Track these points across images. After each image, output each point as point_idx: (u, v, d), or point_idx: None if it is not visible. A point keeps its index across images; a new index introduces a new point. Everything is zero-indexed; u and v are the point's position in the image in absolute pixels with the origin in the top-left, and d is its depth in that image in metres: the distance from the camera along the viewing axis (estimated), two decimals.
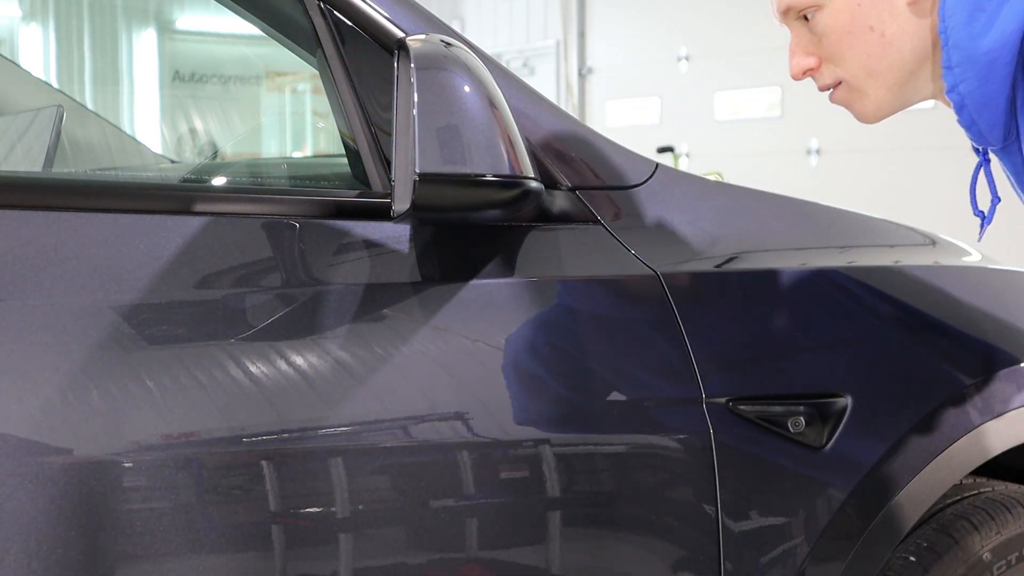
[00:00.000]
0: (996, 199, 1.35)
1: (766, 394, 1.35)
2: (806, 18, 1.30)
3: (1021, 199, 1.35)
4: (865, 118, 1.33)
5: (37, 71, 7.21)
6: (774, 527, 1.34)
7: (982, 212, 1.37)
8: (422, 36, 1.23)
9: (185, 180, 1.61)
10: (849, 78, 1.30)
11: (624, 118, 9.39)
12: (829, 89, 1.33)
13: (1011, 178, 1.32)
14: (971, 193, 1.38)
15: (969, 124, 1.25)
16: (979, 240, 1.56)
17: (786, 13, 1.31)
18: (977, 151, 1.34)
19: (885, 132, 7.42)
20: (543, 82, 9.77)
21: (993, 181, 1.34)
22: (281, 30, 1.51)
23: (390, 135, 1.27)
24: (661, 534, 1.29)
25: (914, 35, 1.26)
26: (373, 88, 1.33)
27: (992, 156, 1.32)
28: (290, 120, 8.82)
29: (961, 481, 1.56)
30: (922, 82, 1.29)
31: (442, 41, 1.22)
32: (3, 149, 1.87)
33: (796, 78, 1.33)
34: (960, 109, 1.24)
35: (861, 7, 1.26)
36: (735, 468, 1.32)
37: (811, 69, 1.32)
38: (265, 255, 1.23)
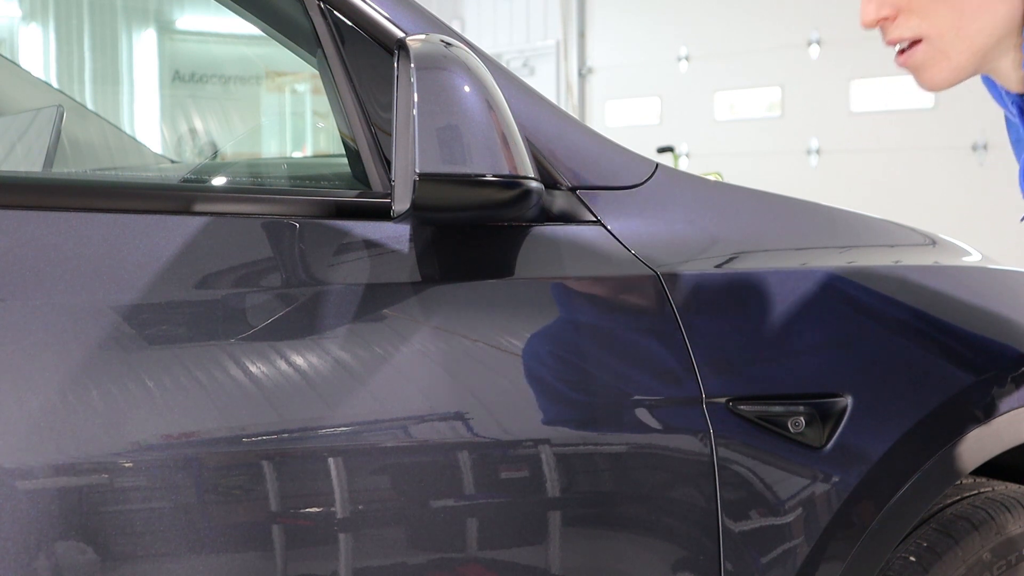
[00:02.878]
0: None
1: (766, 394, 1.35)
2: None
3: None
4: (934, 84, 1.24)
5: (37, 71, 7.20)
6: (774, 527, 1.34)
7: None
8: (422, 36, 1.23)
9: (185, 180, 1.61)
10: (934, 36, 1.21)
11: (624, 118, 9.40)
12: (897, 44, 1.23)
13: None
14: (1022, 187, 1.31)
15: None
16: None
17: None
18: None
19: (885, 132, 7.44)
20: (543, 82, 9.78)
21: None
22: (281, 30, 1.51)
23: (390, 135, 1.27)
24: (661, 534, 1.29)
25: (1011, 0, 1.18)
26: (373, 88, 1.33)
27: None
28: (290, 120, 8.81)
29: (961, 481, 1.56)
30: (1001, 51, 1.21)
31: (442, 41, 1.22)
32: (3, 149, 1.87)
33: (867, 25, 1.23)
34: None
35: None
36: (735, 468, 1.32)
37: (886, 19, 1.22)
38: (265, 255, 1.23)
